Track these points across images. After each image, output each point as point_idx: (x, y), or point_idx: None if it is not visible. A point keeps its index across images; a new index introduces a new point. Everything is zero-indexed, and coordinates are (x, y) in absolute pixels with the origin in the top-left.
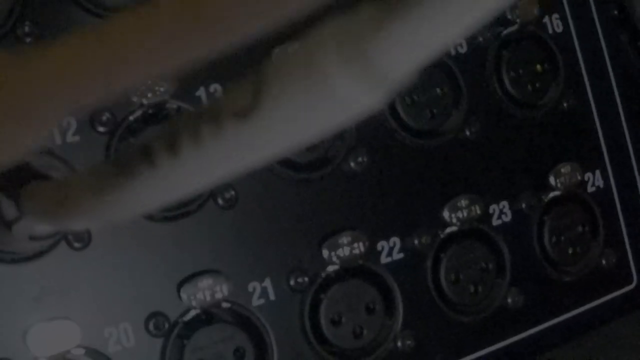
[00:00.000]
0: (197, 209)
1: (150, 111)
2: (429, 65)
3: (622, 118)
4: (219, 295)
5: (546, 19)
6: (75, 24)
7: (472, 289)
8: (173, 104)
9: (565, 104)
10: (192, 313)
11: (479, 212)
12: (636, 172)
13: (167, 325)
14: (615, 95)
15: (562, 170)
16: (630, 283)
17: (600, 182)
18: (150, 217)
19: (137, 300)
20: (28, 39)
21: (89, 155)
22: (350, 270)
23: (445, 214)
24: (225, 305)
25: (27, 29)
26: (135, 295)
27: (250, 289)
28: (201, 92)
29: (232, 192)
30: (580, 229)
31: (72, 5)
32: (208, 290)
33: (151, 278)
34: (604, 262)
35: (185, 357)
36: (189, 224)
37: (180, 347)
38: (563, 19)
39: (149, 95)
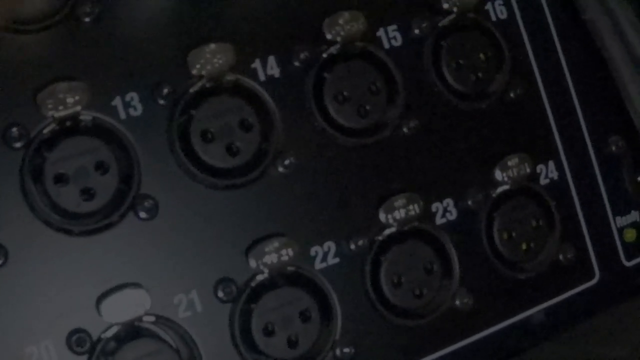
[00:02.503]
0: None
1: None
2: (361, 60)
3: (576, 105)
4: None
5: (488, 6)
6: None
7: (416, 291)
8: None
9: (512, 94)
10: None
11: (418, 211)
12: (594, 161)
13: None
14: (568, 81)
15: (509, 163)
16: (592, 278)
17: (554, 174)
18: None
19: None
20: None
21: (6, 172)
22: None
23: (381, 216)
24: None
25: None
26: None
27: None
28: (117, 102)
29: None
30: (534, 223)
31: None
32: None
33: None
34: (561, 257)
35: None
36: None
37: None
38: (507, 4)
39: (60, 108)
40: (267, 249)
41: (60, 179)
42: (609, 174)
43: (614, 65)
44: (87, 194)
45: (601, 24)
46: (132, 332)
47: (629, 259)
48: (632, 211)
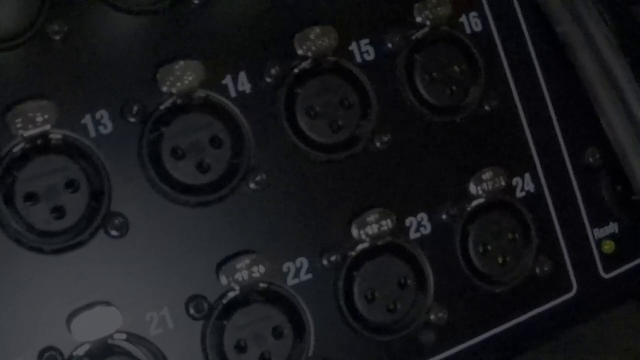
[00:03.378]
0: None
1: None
2: (332, 75)
3: (553, 116)
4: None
5: (463, 18)
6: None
7: (390, 306)
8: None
9: (487, 106)
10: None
11: (391, 226)
12: (571, 173)
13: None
14: (544, 92)
15: (484, 176)
16: (570, 290)
17: (530, 186)
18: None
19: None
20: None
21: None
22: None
23: (354, 231)
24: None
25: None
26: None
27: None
28: (87, 120)
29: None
30: (509, 236)
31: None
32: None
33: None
34: (537, 270)
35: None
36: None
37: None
38: (482, 17)
39: (30, 126)
40: (238, 266)
41: (30, 198)
42: (586, 185)
43: (586, 79)
44: (58, 212)
45: (574, 38)
46: (103, 350)
47: (607, 270)
48: (610, 222)
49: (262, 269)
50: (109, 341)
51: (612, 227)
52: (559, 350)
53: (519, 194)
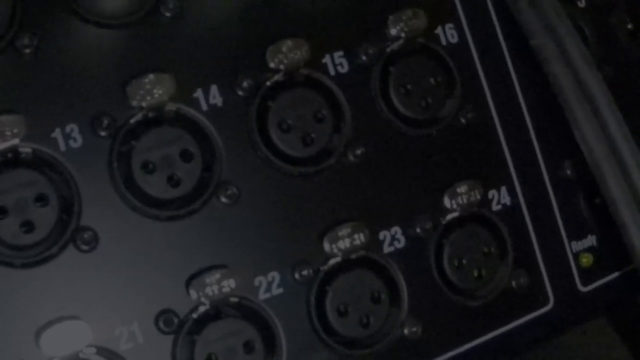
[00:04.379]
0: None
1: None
2: (305, 88)
3: (530, 129)
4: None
5: (439, 30)
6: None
7: (363, 320)
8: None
9: (463, 119)
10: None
11: (363, 240)
12: (548, 185)
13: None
14: (521, 105)
15: (458, 190)
16: (547, 304)
17: (506, 199)
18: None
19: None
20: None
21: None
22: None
23: (326, 246)
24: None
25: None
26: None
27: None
28: (57, 134)
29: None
30: (485, 250)
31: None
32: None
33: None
34: (514, 283)
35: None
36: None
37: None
38: (459, 29)
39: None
40: (208, 280)
41: (0, 212)
42: (564, 198)
43: (560, 92)
44: (27, 226)
45: (548, 51)
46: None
47: (584, 284)
48: (589, 235)
49: (232, 283)
50: (79, 356)
51: (590, 240)
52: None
53: (495, 207)
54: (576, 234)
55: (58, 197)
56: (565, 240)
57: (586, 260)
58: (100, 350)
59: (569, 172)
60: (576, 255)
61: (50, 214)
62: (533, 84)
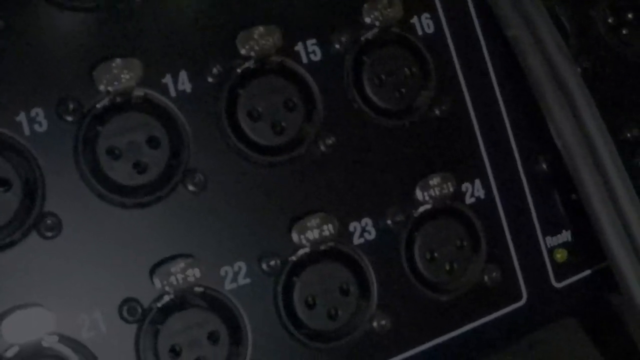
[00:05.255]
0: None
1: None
2: (276, 75)
3: (506, 121)
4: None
5: (415, 20)
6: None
7: (331, 312)
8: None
9: (437, 110)
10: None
11: (333, 231)
12: (523, 179)
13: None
14: (498, 97)
15: (431, 182)
16: (520, 299)
17: (480, 192)
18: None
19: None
20: None
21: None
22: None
23: (295, 236)
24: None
25: None
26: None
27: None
28: (22, 117)
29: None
30: (457, 243)
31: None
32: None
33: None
34: (486, 278)
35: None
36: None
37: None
38: (435, 18)
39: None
40: (172, 269)
41: None
42: (539, 192)
43: (536, 84)
44: None
45: (524, 42)
46: (34, 352)
47: (559, 279)
48: (564, 231)
49: (197, 272)
50: (41, 343)
51: (565, 236)
52: (514, 355)
53: (469, 200)
54: (551, 229)
55: (21, 181)
56: (540, 235)
57: (560, 255)
58: (62, 338)
59: (544, 166)
60: (550, 251)
61: (13, 199)
62: (510, 77)
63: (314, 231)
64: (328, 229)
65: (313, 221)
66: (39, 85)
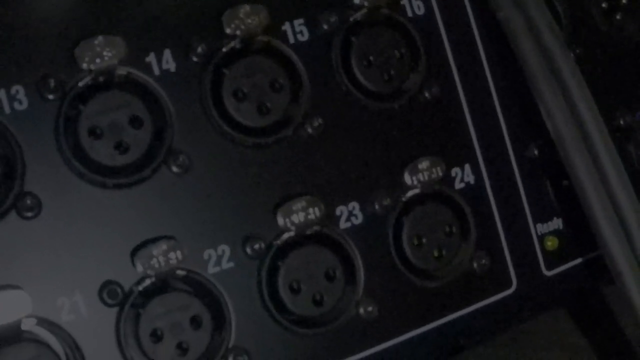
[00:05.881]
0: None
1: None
2: (262, 55)
3: (497, 106)
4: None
5: (405, 1)
6: None
7: (316, 298)
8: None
9: (427, 93)
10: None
11: (318, 215)
12: (514, 165)
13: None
14: (489, 81)
15: (420, 166)
16: (509, 287)
17: (470, 178)
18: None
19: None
20: None
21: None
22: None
23: (280, 220)
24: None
25: None
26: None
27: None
28: (1, 95)
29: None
30: (446, 229)
31: None
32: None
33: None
34: (475, 265)
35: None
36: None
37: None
38: (425, 0)
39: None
40: (154, 252)
41: None
42: (530, 178)
43: (527, 68)
44: None
45: (515, 24)
46: (11, 335)
47: (549, 267)
48: (555, 218)
49: (180, 255)
50: (19, 326)
51: (556, 223)
52: (504, 345)
53: (458, 185)
54: (542, 216)
55: (0, 161)
56: (531, 222)
57: (551, 243)
58: (41, 321)
59: (536, 152)
60: (541, 238)
61: None
62: (501, 61)
63: (299, 214)
64: (314, 213)
65: (299, 204)
66: (19, 62)
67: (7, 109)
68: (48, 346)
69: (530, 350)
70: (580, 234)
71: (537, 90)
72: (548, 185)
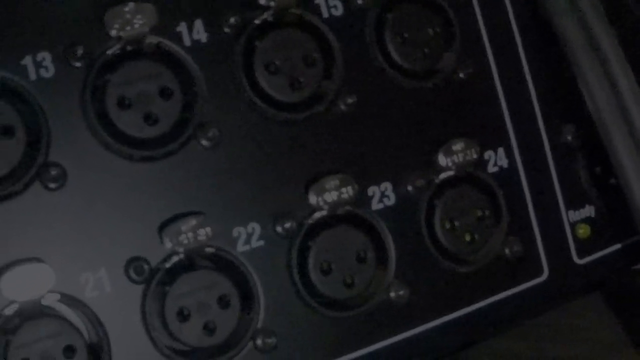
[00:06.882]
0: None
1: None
2: (296, 28)
3: (531, 89)
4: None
5: None
6: None
7: (347, 280)
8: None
9: (462, 73)
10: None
11: (352, 194)
12: (547, 150)
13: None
14: (523, 63)
15: (454, 147)
16: (541, 275)
17: (503, 162)
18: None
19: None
20: None
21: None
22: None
23: (312, 198)
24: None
25: None
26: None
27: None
28: (27, 61)
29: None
30: (478, 213)
31: None
32: (191, 233)
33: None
34: (507, 251)
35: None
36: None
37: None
38: None
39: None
40: (183, 228)
41: None
42: (562, 164)
43: (569, 47)
44: None
45: (558, 6)
46: (34, 310)
47: (580, 256)
48: (587, 205)
49: (209, 232)
50: (41, 301)
51: (588, 211)
52: (519, 338)
53: (491, 169)
54: (574, 203)
55: (25, 129)
56: (563, 209)
57: (583, 231)
58: (64, 297)
59: (569, 137)
60: (573, 226)
61: (16, 147)
62: (537, 42)
63: (332, 193)
64: (347, 192)
65: (332, 182)
66: (46, 27)
67: (32, 76)
68: (70, 323)
69: (548, 344)
70: (612, 222)
71: (579, 70)
72: (581, 171)
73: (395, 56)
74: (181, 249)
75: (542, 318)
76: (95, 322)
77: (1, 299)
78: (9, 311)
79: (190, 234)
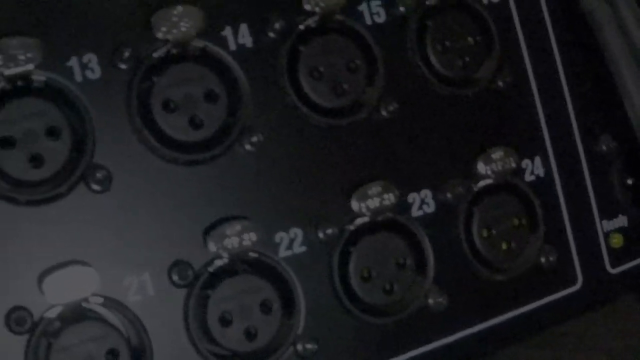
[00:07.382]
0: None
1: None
2: (339, 34)
3: (568, 98)
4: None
5: None
6: None
7: (386, 287)
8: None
9: (500, 82)
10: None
11: (393, 201)
12: (583, 160)
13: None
14: (560, 72)
15: (493, 155)
16: (575, 283)
17: (540, 170)
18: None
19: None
20: None
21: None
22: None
23: (354, 204)
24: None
25: None
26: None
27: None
28: (73, 62)
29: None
30: (516, 222)
31: None
32: (236, 238)
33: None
34: (543, 259)
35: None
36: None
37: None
38: None
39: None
40: (228, 232)
41: (6, 143)
42: (597, 174)
43: (612, 59)
44: (36, 160)
45: (600, 14)
46: (77, 313)
47: (614, 265)
48: (620, 215)
49: (253, 237)
50: (84, 305)
51: (622, 221)
52: (539, 347)
53: (528, 177)
54: (608, 213)
55: (70, 131)
56: (597, 219)
57: (616, 240)
58: (107, 301)
59: (604, 147)
60: (607, 235)
61: (61, 149)
62: (574, 51)
63: (374, 199)
64: (389, 199)
65: (374, 189)
66: (92, 28)
67: (78, 77)
68: (114, 327)
69: (566, 353)
70: None
71: (621, 80)
72: (615, 181)
73: (435, 64)
74: (225, 254)
75: (561, 327)
76: (138, 325)
77: (43, 302)
78: (51, 314)
79: (235, 239)
